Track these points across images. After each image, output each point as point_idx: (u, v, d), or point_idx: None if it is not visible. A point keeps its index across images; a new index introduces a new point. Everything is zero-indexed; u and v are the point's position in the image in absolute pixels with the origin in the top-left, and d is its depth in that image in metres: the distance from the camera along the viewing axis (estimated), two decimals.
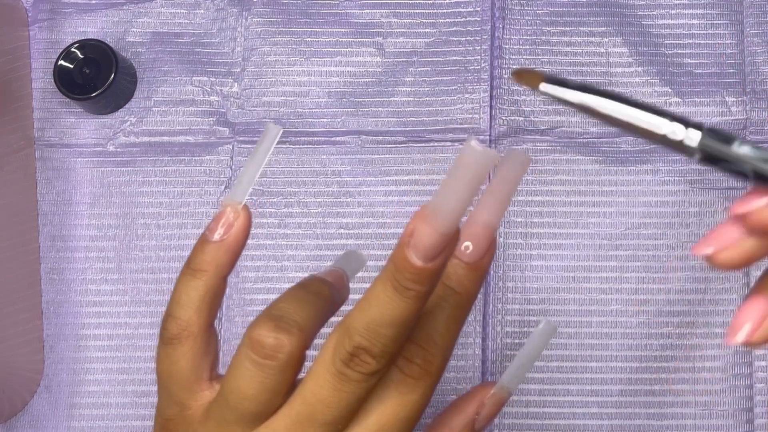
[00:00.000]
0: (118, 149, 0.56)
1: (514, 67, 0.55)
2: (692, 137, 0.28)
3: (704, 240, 0.30)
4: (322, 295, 0.35)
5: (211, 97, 0.56)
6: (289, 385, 0.33)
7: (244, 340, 0.33)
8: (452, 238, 0.29)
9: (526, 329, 0.53)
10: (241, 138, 0.55)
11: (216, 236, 0.35)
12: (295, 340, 0.32)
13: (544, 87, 0.28)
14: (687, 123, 0.28)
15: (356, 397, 0.32)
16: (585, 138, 0.54)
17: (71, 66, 0.55)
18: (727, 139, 0.27)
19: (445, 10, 0.56)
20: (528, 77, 0.28)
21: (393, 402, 0.32)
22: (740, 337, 0.30)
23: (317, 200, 0.54)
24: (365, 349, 0.31)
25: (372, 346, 0.31)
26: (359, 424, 0.32)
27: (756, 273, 0.52)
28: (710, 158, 0.27)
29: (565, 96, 0.28)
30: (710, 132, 0.27)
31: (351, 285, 0.38)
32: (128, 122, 0.56)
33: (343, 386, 0.31)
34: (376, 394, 0.32)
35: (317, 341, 0.33)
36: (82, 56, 0.55)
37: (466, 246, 0.32)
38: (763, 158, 0.27)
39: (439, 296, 0.32)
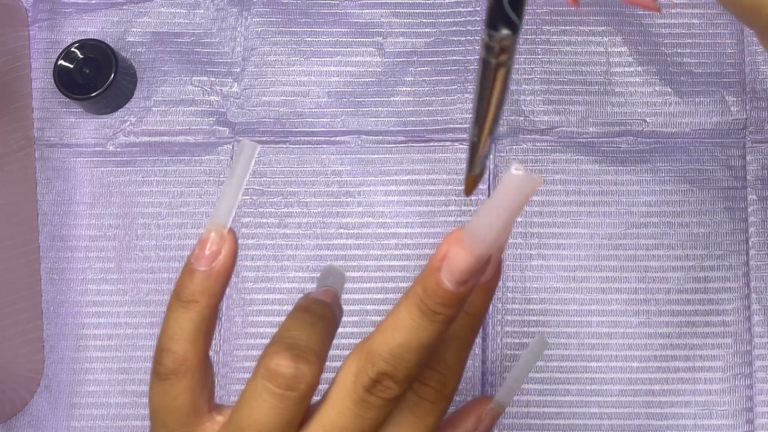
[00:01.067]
0: (118, 149, 0.56)
1: (515, 67, 0.55)
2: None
3: None
4: (328, 318, 0.34)
5: (211, 97, 0.56)
6: (304, 413, 0.32)
7: (260, 371, 0.32)
8: (486, 263, 0.29)
9: (526, 329, 0.53)
10: (241, 138, 0.55)
11: (203, 265, 0.33)
12: (315, 369, 0.31)
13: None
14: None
15: (376, 423, 0.31)
16: (585, 138, 0.54)
17: (71, 66, 0.55)
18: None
19: (445, 10, 0.56)
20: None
21: (410, 426, 0.32)
22: None
23: (317, 200, 0.54)
24: (389, 374, 0.30)
25: (396, 372, 0.30)
26: None
27: (756, 274, 0.52)
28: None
29: None
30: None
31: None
32: (128, 122, 0.56)
33: (365, 413, 0.31)
34: (393, 418, 0.32)
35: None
36: (82, 56, 0.55)
37: None
38: None
39: None
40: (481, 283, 0.32)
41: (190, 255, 0.33)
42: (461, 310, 0.30)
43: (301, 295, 0.36)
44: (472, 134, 0.30)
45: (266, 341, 0.36)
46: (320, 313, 0.34)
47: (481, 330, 0.52)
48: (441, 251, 0.29)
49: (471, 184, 0.31)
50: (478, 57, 0.55)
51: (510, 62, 0.30)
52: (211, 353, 0.54)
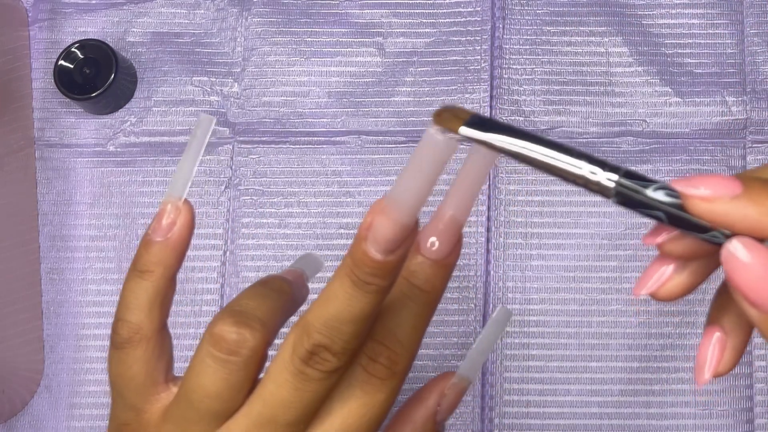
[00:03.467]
0: (118, 149, 0.56)
1: (514, 67, 0.55)
2: (611, 178, 0.27)
3: (641, 282, 0.30)
4: (283, 291, 0.34)
5: (211, 97, 0.56)
6: (251, 382, 0.32)
7: (205, 337, 0.32)
8: (412, 230, 0.28)
9: (526, 329, 0.53)
10: (241, 138, 0.55)
11: (159, 236, 0.34)
12: (258, 335, 0.31)
13: (463, 131, 0.27)
14: (605, 165, 0.27)
15: (317, 395, 0.31)
16: (585, 138, 0.54)
17: (71, 66, 0.55)
18: (643, 183, 0.27)
19: (445, 10, 0.56)
20: (448, 119, 0.28)
21: (358, 402, 0.31)
22: (707, 374, 0.31)
23: (317, 200, 0.54)
24: (325, 346, 0.30)
25: (332, 344, 0.30)
26: (323, 425, 0.32)
27: None
28: (627, 200, 0.27)
29: (486, 139, 0.27)
30: (627, 175, 0.27)
31: (310, 285, 0.38)
32: (128, 122, 0.56)
33: (304, 385, 0.31)
34: (341, 394, 0.31)
35: (277, 341, 0.32)
36: (82, 56, 0.55)
37: (432, 242, 0.31)
38: (675, 204, 0.27)
39: (405, 295, 0.32)
40: (438, 258, 0.31)
41: (148, 228, 0.34)
42: (393, 279, 0.30)
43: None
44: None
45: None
46: (276, 287, 0.34)
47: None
48: (366, 221, 0.28)
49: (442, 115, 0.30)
50: (479, 55, 0.55)
51: None
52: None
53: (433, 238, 0.31)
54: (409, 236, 0.29)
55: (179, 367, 0.54)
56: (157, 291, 0.34)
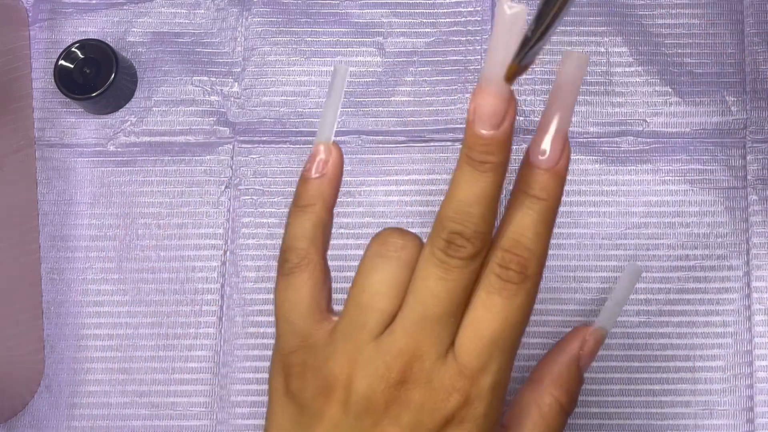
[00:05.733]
0: (119, 149, 0.56)
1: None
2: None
3: None
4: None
5: (212, 97, 0.56)
6: (408, 285, 0.34)
7: (372, 242, 0.35)
8: (510, 101, 0.32)
9: (526, 329, 0.52)
10: (241, 138, 0.55)
11: (315, 173, 0.37)
12: (418, 239, 0.35)
13: None
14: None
15: (461, 285, 0.34)
16: (585, 138, 0.54)
17: (71, 66, 0.55)
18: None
19: (445, 10, 0.56)
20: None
21: (499, 306, 0.34)
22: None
23: None
24: (458, 233, 0.33)
25: (464, 228, 0.33)
26: (471, 330, 0.34)
27: (756, 274, 0.52)
28: None
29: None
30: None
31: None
32: (128, 122, 0.56)
33: (446, 274, 0.33)
34: (482, 302, 0.34)
35: None
36: (82, 56, 0.55)
37: (542, 151, 0.34)
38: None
39: (524, 205, 0.34)
40: (549, 166, 0.34)
41: (303, 169, 0.38)
42: (506, 157, 0.33)
43: None
44: (528, 28, 0.32)
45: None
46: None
47: None
48: (471, 107, 0.32)
49: (511, 73, 0.32)
50: (479, 54, 0.55)
51: None
52: (211, 353, 0.54)
53: (542, 148, 0.34)
54: (509, 108, 0.32)
55: (189, 367, 0.54)
56: (319, 220, 0.37)
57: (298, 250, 0.36)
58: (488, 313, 0.34)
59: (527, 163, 0.34)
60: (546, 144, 0.34)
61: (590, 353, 0.40)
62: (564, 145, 0.34)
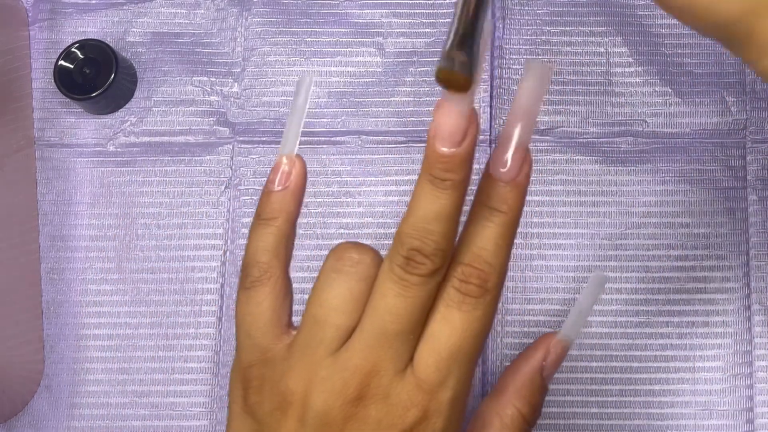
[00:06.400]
0: (119, 149, 0.56)
1: (514, 67, 0.55)
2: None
3: None
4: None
5: (211, 97, 0.56)
6: (367, 298, 0.34)
7: (328, 257, 0.35)
8: (471, 118, 0.32)
9: (526, 329, 0.53)
10: (241, 138, 0.55)
11: (278, 186, 0.37)
12: (375, 253, 0.35)
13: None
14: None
15: (420, 302, 0.33)
16: (585, 138, 0.54)
17: (71, 66, 0.55)
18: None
19: (445, 10, 0.56)
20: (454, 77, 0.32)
21: (458, 321, 0.34)
22: None
23: (317, 200, 0.54)
24: (417, 249, 0.33)
25: (423, 245, 0.33)
26: (430, 344, 0.34)
27: (756, 274, 0.52)
28: None
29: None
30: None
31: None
32: (128, 122, 0.56)
33: (406, 291, 0.33)
34: (442, 315, 0.34)
35: None
36: (82, 56, 0.55)
37: (502, 163, 0.34)
38: None
39: (484, 218, 0.34)
40: (509, 178, 0.34)
41: (266, 181, 0.37)
42: (467, 174, 0.32)
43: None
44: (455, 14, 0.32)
45: None
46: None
47: None
48: (432, 124, 0.32)
49: (444, 77, 0.32)
50: None
51: None
52: (211, 353, 0.54)
53: (503, 160, 0.34)
54: (470, 125, 0.32)
55: (189, 367, 0.54)
56: (282, 234, 0.37)
57: (260, 264, 0.36)
58: (447, 327, 0.34)
59: (487, 175, 0.34)
60: (507, 157, 0.34)
61: (554, 364, 0.39)
62: (525, 157, 0.34)
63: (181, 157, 0.55)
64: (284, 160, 0.37)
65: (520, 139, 0.33)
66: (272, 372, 0.35)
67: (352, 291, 0.34)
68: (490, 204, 0.34)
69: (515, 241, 0.53)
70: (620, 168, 0.54)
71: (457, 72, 0.31)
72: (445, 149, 0.32)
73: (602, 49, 0.55)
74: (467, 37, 0.31)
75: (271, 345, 0.36)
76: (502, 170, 0.34)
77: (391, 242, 0.54)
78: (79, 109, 0.56)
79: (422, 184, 0.33)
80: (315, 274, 0.55)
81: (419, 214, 0.33)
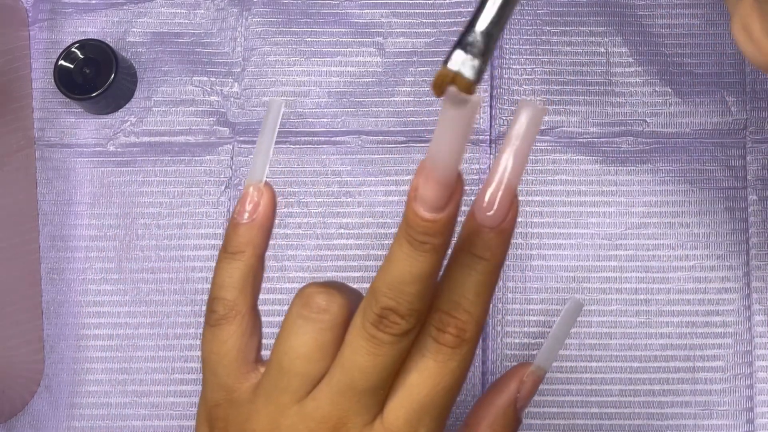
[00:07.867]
0: (119, 149, 0.56)
1: (514, 67, 0.55)
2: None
3: None
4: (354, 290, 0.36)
5: (212, 97, 0.56)
6: (336, 347, 0.33)
7: (294, 301, 0.34)
8: (455, 186, 0.30)
9: (526, 329, 0.53)
10: (241, 138, 0.55)
11: (245, 218, 0.35)
12: (345, 297, 0.33)
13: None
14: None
15: (391, 360, 0.32)
16: (585, 138, 0.54)
17: (71, 66, 0.55)
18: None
19: (445, 10, 0.56)
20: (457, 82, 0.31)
21: (432, 371, 0.33)
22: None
23: (317, 200, 0.54)
24: (392, 309, 0.31)
25: (398, 306, 0.31)
26: (401, 395, 0.33)
27: (756, 274, 0.52)
28: None
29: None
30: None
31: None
32: (128, 122, 0.56)
33: (377, 350, 0.32)
34: (415, 364, 0.33)
35: None
36: (82, 56, 0.55)
37: (488, 206, 0.32)
38: None
39: (466, 265, 0.32)
40: (493, 224, 0.32)
41: (233, 212, 0.36)
42: (448, 238, 0.31)
43: None
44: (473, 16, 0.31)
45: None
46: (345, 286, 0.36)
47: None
48: (413, 183, 0.30)
49: (439, 80, 0.31)
50: None
51: None
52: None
53: (488, 202, 0.32)
54: (454, 192, 0.30)
55: (189, 367, 0.54)
56: (249, 269, 0.35)
57: (225, 301, 0.35)
58: (420, 378, 0.33)
59: (472, 218, 0.32)
60: (493, 199, 0.32)
61: (528, 395, 0.38)
62: (512, 201, 0.32)
63: (181, 157, 0.55)
64: (251, 190, 0.35)
65: (509, 180, 0.32)
66: (237, 414, 0.34)
67: (317, 340, 0.33)
68: (473, 251, 0.32)
69: (515, 241, 0.54)
70: (620, 168, 0.54)
71: (463, 76, 0.31)
72: (427, 214, 0.30)
73: (602, 49, 0.55)
74: (490, 40, 0.30)
75: (237, 385, 0.35)
76: (488, 214, 0.32)
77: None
78: (79, 109, 0.56)
79: (400, 243, 0.31)
80: (315, 275, 0.55)
81: (395, 273, 0.31)
